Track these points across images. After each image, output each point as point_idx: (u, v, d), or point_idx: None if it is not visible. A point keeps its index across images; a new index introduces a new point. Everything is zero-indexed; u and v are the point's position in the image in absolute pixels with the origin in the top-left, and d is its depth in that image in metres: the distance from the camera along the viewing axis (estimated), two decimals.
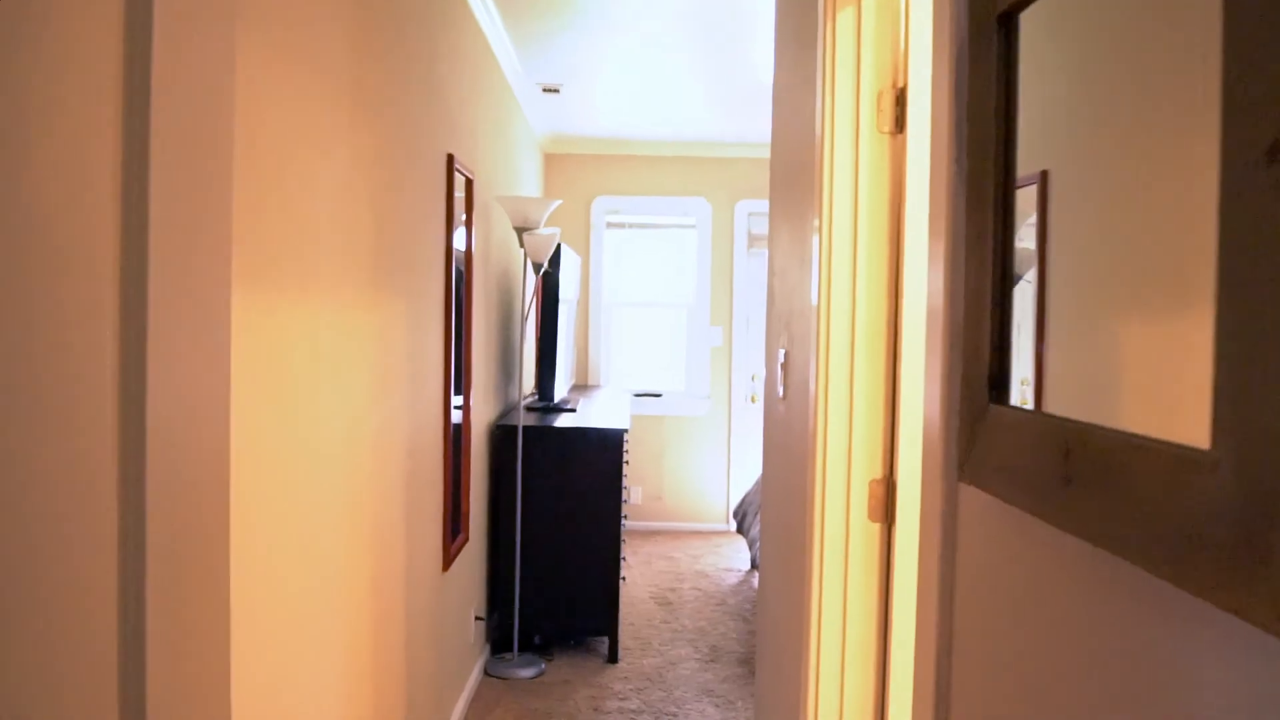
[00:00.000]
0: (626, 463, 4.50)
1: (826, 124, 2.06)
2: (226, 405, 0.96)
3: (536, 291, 4.15)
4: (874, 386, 2.02)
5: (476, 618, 3.83)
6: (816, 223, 2.10)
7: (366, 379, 2.26)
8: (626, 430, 4.20)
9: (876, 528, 2.04)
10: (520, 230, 3.90)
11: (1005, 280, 1.00)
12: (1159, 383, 0.73)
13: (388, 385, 2.45)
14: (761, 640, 2.99)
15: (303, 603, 1.83)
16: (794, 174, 2.53)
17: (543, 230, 3.87)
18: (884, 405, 2.03)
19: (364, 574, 2.26)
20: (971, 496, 1.11)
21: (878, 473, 2.03)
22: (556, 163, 6.57)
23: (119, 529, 0.78)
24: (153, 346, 0.81)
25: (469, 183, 3.48)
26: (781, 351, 2.66)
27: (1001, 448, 0.98)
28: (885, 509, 2.02)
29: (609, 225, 6.66)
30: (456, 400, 3.43)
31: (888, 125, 2.02)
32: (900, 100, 2.01)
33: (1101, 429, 0.77)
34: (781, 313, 2.69)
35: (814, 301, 2.12)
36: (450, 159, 3.13)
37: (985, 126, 0.99)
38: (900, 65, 2.02)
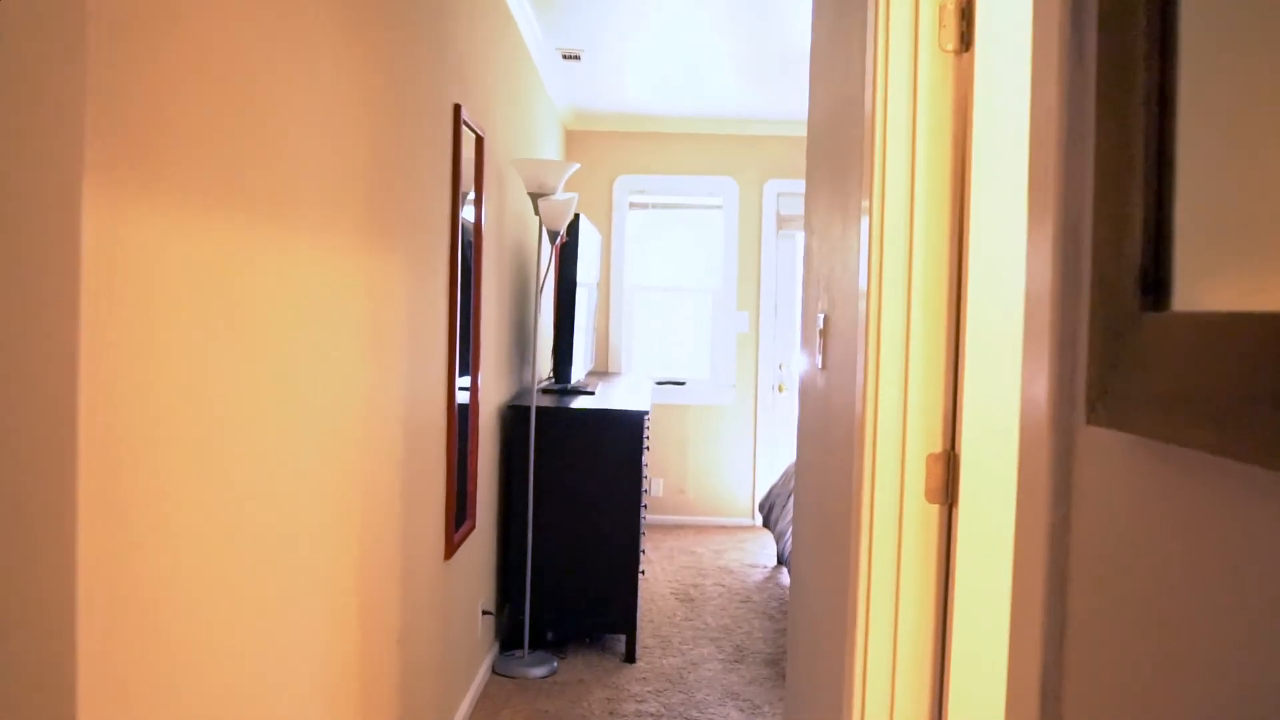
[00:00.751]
0: (647, 448, 4.23)
1: (880, 43, 1.78)
2: (73, 360, 0.69)
3: (554, 256, 3.88)
4: (933, 344, 1.74)
5: (484, 612, 3.58)
6: (867, 161, 1.83)
7: (356, 337, 2.00)
8: (647, 413, 3.93)
9: (935, 510, 1.75)
10: (535, 196, 3.63)
11: (1164, 129, 0.72)
12: None
13: (383, 348, 2.19)
14: (793, 639, 2.71)
15: (274, 592, 1.57)
16: (838, 115, 2.25)
17: (559, 195, 3.60)
18: (944, 365, 1.74)
19: (350, 560, 2.00)
20: (1101, 445, 0.83)
21: (936, 446, 1.75)
22: (578, 139, 6.31)
23: None
24: None
25: (479, 142, 3.22)
26: (820, 316, 2.38)
27: (1165, 369, 0.70)
28: (945, 488, 1.74)
29: (632, 206, 6.39)
30: (464, 382, 3.18)
31: (951, 42, 1.74)
32: (966, 13, 1.73)
33: None
34: (820, 274, 2.42)
35: (863, 252, 1.84)
36: (457, 110, 2.87)
37: None
38: None
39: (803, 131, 6.26)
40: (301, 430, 1.71)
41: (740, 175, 6.31)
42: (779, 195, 6.33)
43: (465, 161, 3.02)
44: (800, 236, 6.39)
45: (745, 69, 5.08)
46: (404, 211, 2.35)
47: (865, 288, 1.80)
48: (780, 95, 5.59)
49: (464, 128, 2.94)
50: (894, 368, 1.76)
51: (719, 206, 6.38)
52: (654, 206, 6.44)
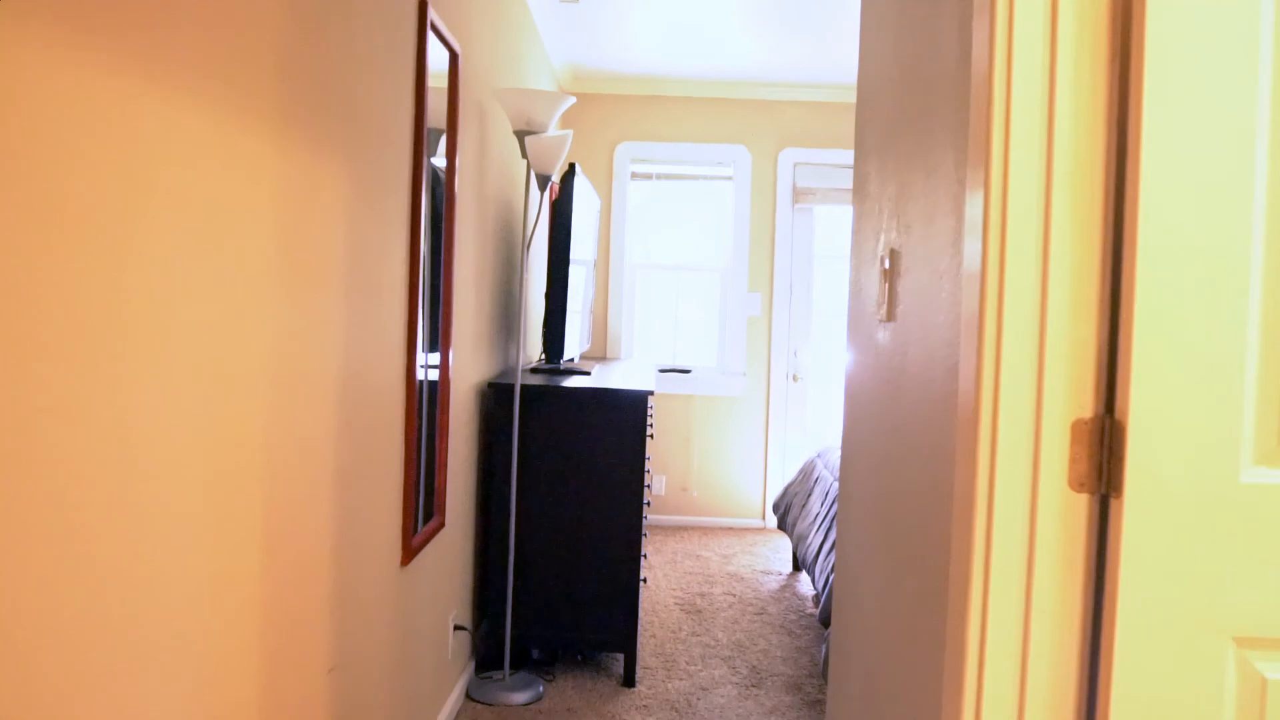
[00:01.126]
0: (651, 436, 3.67)
1: None
2: None
3: (544, 206, 3.32)
4: (1084, 256, 1.19)
5: (456, 626, 3.02)
6: None
7: (258, 259, 1.45)
8: (651, 393, 3.37)
9: (1083, 501, 1.20)
10: (522, 134, 3.08)
11: None
12: None
13: (303, 284, 1.64)
14: (840, 668, 2.16)
15: (107, 619, 1.02)
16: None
17: (551, 133, 3.05)
18: (1097, 287, 1.19)
19: (244, 569, 1.45)
20: None
21: (1087, 409, 1.20)
22: (577, 103, 5.76)
23: None
24: None
25: (454, 59, 2.67)
26: (882, 253, 1.83)
27: None
28: (1099, 469, 1.19)
29: (634, 176, 5.84)
30: (435, 359, 2.63)
31: None
32: None
33: None
34: (886, 195, 1.86)
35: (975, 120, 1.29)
36: (423, 6, 2.31)
37: None
38: None
39: (825, 96, 5.71)
40: (147, 378, 1.15)
41: (753, 143, 5.76)
42: (795, 165, 5.78)
43: (435, 83, 2.47)
44: (819, 210, 5.84)
45: (761, 24, 4.53)
46: (341, 107, 1.79)
47: (984, 177, 1.24)
48: (801, 54, 5.03)
49: (431, 33, 2.38)
50: (1024, 293, 1.20)
51: (729, 177, 5.82)
52: (659, 177, 5.88)
